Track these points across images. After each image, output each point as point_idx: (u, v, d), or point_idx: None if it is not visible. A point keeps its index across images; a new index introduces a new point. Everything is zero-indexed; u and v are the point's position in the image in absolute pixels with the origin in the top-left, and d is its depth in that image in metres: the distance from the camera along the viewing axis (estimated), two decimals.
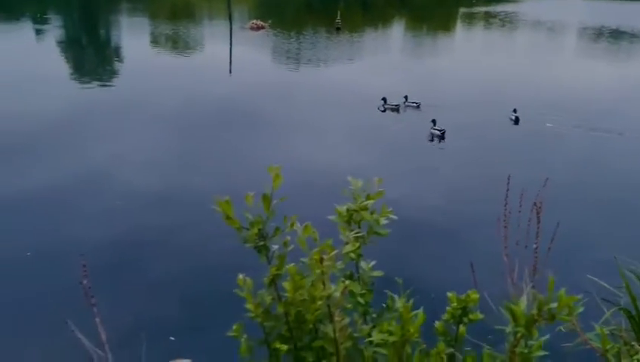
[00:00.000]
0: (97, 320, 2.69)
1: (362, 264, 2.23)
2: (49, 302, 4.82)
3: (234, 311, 2.25)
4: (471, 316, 2.11)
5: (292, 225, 1.83)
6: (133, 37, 23.19)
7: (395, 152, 10.13)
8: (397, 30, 30.84)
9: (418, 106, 13.01)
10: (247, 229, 1.81)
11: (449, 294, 2.05)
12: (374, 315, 2.16)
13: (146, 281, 5.51)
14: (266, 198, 1.82)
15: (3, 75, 14.51)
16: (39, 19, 25.70)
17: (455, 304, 2.06)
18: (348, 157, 9.42)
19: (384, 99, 12.90)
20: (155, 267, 5.80)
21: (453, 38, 28.35)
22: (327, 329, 2.06)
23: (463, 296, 2.07)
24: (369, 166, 8.89)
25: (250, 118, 11.50)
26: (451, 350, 2.08)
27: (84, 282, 3.22)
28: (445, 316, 2.06)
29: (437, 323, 2.06)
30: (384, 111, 12.87)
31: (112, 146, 9.53)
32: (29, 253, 5.97)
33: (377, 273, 2.25)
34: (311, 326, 2.17)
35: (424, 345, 1.91)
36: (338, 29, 25.00)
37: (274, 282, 2.01)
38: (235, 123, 11.26)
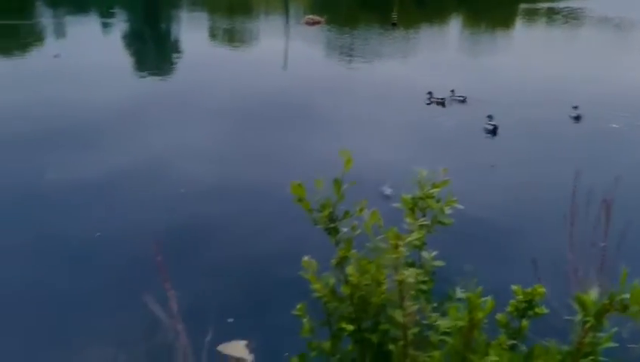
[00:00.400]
0: (170, 293, 2.85)
1: (424, 253, 2.26)
2: (123, 277, 5.16)
3: (291, 297, 2.33)
4: (537, 310, 2.09)
5: (361, 209, 1.88)
6: (192, 31, 23.86)
7: (443, 146, 10.06)
8: (454, 27, 30.22)
9: (464, 100, 12.94)
10: (319, 211, 1.88)
11: (514, 287, 2.04)
12: (435, 304, 2.19)
13: (207, 264, 5.74)
14: (337, 182, 1.87)
15: (73, 66, 15.28)
16: (106, 14, 26.89)
17: (520, 297, 2.06)
18: (392, 150, 9.46)
19: (430, 92, 12.96)
20: (216, 251, 6.03)
21: (512, 35, 27.52)
22: (396, 313, 2.10)
23: (529, 290, 2.06)
24: (416, 159, 8.82)
25: (302, 111, 11.68)
26: (513, 342, 2.07)
27: (159, 258, 3.40)
28: (509, 308, 2.06)
29: (499, 315, 2.06)
30: (429, 104, 12.85)
31: (172, 136, 9.90)
32: (98, 234, 6.33)
33: (439, 263, 2.27)
34: (374, 311, 2.22)
35: (485, 336, 1.91)
36: (394, 24, 24.79)
37: (341, 264, 2.07)
38: (288, 116, 11.43)
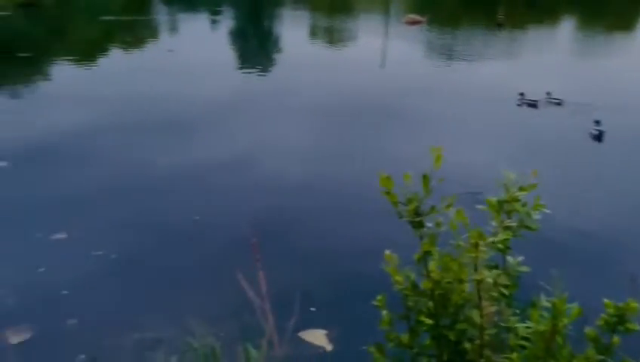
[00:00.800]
0: (261, 273, 3.03)
1: (509, 258, 2.23)
2: (217, 258, 5.57)
3: (373, 291, 2.40)
4: (628, 325, 2.00)
5: (449, 206, 1.91)
6: (293, 29, 24.54)
7: (538, 150, 9.61)
8: (566, 28, 28.41)
9: (560, 103, 12.23)
10: (405, 205, 1.94)
11: (605, 301, 1.97)
12: (517, 310, 2.16)
13: (295, 254, 5.97)
14: (426, 177, 1.92)
15: (183, 61, 16.37)
16: (214, 12, 28.44)
17: (611, 311, 1.98)
18: (482, 152, 9.20)
19: (521, 93, 12.42)
20: (305, 242, 6.26)
21: (631, 37, 25.35)
22: (473, 313, 2.11)
23: (621, 304, 1.97)
24: (508, 162, 8.49)
25: (396, 111, 11.68)
26: (602, 357, 2.00)
27: (254, 241, 3.62)
28: (599, 322, 1.99)
29: (588, 329, 1.99)
30: (520, 105, 12.29)
31: (269, 131, 10.32)
32: (197, 217, 6.81)
33: (524, 268, 2.23)
34: (453, 309, 2.23)
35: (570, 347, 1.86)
36: (499, 25, 23.84)
37: (424, 259, 2.11)
38: (382, 115, 11.46)
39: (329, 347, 4.72)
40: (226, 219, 6.55)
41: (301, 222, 6.79)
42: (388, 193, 1.96)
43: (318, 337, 4.80)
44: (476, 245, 1.83)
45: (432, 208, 1.95)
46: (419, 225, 1.94)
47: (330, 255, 5.96)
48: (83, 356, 4.51)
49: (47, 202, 7.19)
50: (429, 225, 1.99)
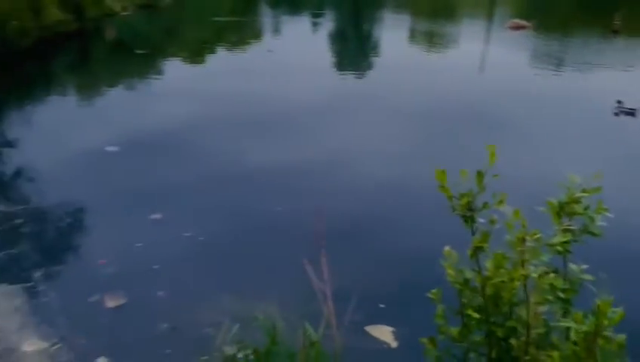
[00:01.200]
0: (325, 263, 3.19)
1: (572, 265, 2.20)
2: (291, 247, 5.84)
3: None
4: None
5: (500, 202, 1.93)
6: (392, 32, 24.51)
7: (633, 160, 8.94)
8: None
9: None
10: (458, 199, 1.99)
11: None
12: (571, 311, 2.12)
13: (369, 252, 6.09)
14: (480, 174, 1.96)
15: (281, 61, 16.99)
16: (316, 14, 29.15)
17: None
18: (568, 161, 8.74)
19: (619, 101, 11.57)
20: (379, 242, 6.37)
21: None
22: (521, 311, 2.11)
23: None
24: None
25: (489, 116, 11.37)
26: None
27: (320, 228, 3.79)
28: None
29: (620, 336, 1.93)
30: (617, 114, 11.42)
31: (359, 132, 10.48)
32: (280, 208, 7.15)
33: (587, 276, 2.18)
34: (506, 308, 2.24)
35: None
36: (615, 31, 22.14)
37: (476, 254, 2.14)
38: (474, 119, 11.20)
39: (394, 344, 4.77)
40: (303, 214, 6.79)
41: (379, 223, 6.88)
42: (442, 187, 2.02)
43: (384, 333, 4.88)
44: (522, 240, 1.84)
45: (485, 204, 1.98)
46: (469, 219, 1.99)
47: (406, 256, 6.00)
48: (166, 324, 4.95)
49: (148, 185, 7.89)
50: (482, 220, 2.03)
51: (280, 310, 3.85)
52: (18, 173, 8.33)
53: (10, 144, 9.62)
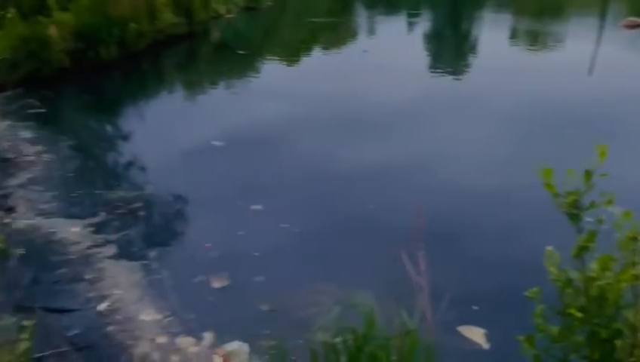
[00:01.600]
0: (421, 254, 3.30)
1: None
2: (384, 243, 6.00)
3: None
4: None
5: (610, 201, 1.94)
6: (492, 32, 23.68)
7: None
8: None
9: None
10: (564, 197, 2.02)
11: None
12: None
13: (462, 251, 6.08)
14: (588, 173, 1.98)
15: (376, 61, 17.09)
16: (412, 14, 28.86)
17: None
18: None
19: None
20: (473, 241, 6.33)
21: None
22: (628, 313, 2.10)
23: None
24: None
25: (598, 121, 10.69)
26: None
27: (418, 225, 3.91)
28: None
29: None
30: None
31: (453, 134, 10.34)
32: (371, 206, 7.31)
33: None
34: (612, 310, 2.23)
35: None
36: None
37: (581, 254, 2.16)
38: (579, 124, 10.62)
39: (486, 345, 4.74)
40: (397, 212, 6.87)
41: (476, 224, 6.83)
42: (548, 185, 2.07)
43: (476, 334, 4.86)
44: (634, 239, 1.85)
45: (592, 203, 2.00)
46: (575, 217, 2.02)
47: (500, 259, 5.92)
48: (266, 307, 5.30)
49: (249, 178, 8.38)
50: (588, 219, 2.04)
51: (375, 300, 3.99)
52: (134, 162, 9.17)
53: (127, 136, 10.61)
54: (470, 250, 6.17)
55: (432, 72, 16.68)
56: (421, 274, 3.47)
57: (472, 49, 21.12)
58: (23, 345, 3.25)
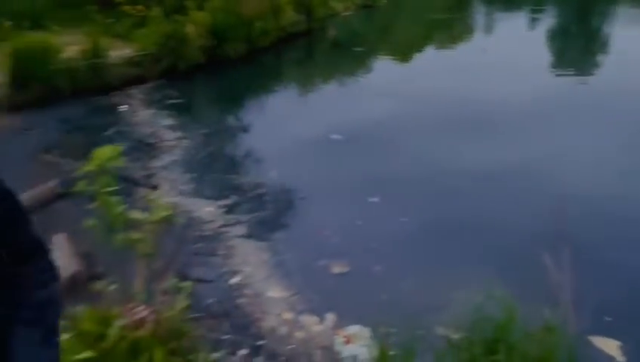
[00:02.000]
0: (566, 253, 3.25)
1: None
2: (514, 244, 5.88)
3: None
4: None
5: None
6: (628, 30, 21.78)
7: None
8: None
9: None
10: None
11: None
12: None
13: (598, 259, 5.77)
14: None
15: (496, 61, 16.49)
16: (535, 10, 27.33)
17: None
18: None
19: None
20: (608, 249, 6.02)
21: None
22: None
23: None
24: None
25: None
26: None
27: (560, 227, 3.83)
28: None
29: None
30: None
31: (577, 136, 9.77)
32: (496, 205, 7.15)
33: None
34: None
35: None
36: None
37: None
38: None
39: (621, 359, 4.50)
40: (521, 213, 6.70)
41: (610, 232, 6.45)
42: None
43: (609, 346, 4.63)
44: None
45: None
46: None
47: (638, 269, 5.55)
48: (385, 296, 5.44)
49: (366, 171, 8.57)
50: None
51: (513, 293, 3.94)
52: (258, 151, 9.74)
53: (252, 126, 11.28)
54: (604, 257, 5.84)
55: (556, 72, 15.71)
56: (562, 273, 3.41)
57: (603, 47, 19.54)
58: (181, 303, 3.66)
